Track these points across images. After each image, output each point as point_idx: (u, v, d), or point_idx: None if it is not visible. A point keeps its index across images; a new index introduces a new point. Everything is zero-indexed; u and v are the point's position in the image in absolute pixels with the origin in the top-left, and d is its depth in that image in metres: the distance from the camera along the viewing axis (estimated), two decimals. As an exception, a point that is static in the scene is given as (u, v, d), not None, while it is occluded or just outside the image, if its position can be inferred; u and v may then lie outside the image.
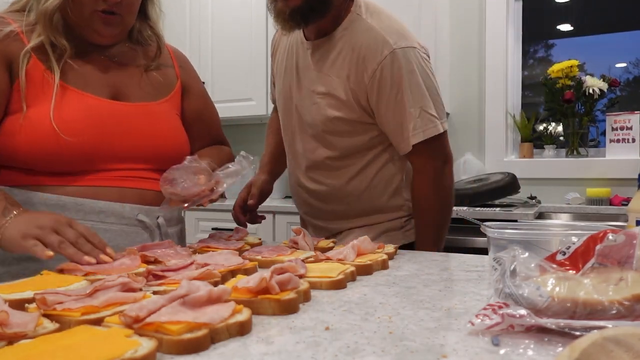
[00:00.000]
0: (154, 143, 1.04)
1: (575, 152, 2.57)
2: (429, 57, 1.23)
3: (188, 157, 0.98)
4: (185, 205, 0.98)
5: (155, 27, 1.14)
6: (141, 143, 1.03)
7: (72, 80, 0.99)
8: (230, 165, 1.01)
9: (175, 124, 1.12)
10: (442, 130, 1.19)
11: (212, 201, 0.99)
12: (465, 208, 2.21)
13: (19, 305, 0.58)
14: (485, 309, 0.53)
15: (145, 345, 0.45)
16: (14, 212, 0.84)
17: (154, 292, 0.65)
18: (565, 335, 0.48)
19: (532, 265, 0.56)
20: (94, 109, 0.99)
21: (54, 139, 0.92)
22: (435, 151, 1.20)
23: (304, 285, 0.66)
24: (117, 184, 1.00)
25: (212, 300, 0.54)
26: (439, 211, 1.25)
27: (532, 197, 2.53)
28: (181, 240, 1.17)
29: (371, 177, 1.26)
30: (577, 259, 0.58)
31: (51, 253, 0.78)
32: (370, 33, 1.17)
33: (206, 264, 0.78)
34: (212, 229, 2.63)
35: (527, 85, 2.86)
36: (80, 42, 1.02)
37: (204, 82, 3.04)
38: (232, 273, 0.78)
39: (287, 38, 1.34)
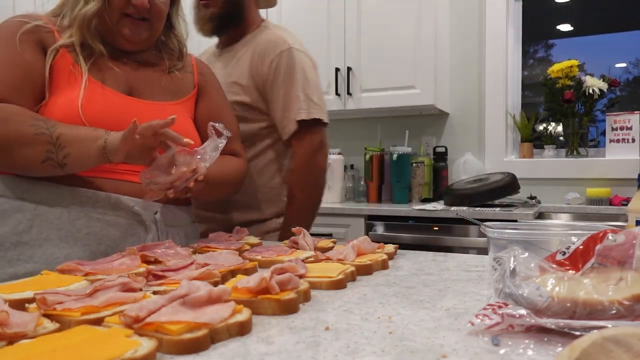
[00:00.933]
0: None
1: (575, 152, 2.58)
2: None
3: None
4: (170, 191, 0.92)
5: (180, 37, 1.20)
6: None
7: (95, 74, 1.03)
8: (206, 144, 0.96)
9: (187, 127, 1.13)
10: (324, 118, 1.39)
11: (198, 182, 0.94)
12: (465, 208, 2.22)
13: (19, 305, 0.58)
14: (485, 309, 0.53)
15: (145, 345, 0.45)
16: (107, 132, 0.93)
17: (154, 292, 0.65)
18: (565, 335, 0.48)
19: (532, 265, 0.56)
20: (112, 102, 1.02)
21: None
22: (314, 138, 1.38)
23: (304, 285, 0.66)
24: (117, 177, 1.00)
25: (212, 300, 0.54)
26: (305, 199, 1.41)
27: (532, 197, 2.53)
28: (191, 240, 1.16)
29: (259, 169, 1.42)
30: (577, 259, 0.58)
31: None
32: (275, 34, 1.42)
33: (206, 264, 0.78)
34: (212, 229, 2.63)
35: (527, 85, 2.86)
36: (110, 47, 1.07)
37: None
38: (232, 273, 0.78)
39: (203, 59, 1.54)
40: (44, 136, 0.90)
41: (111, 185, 1.00)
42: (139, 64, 1.11)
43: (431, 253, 1.07)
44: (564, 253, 0.60)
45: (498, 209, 2.15)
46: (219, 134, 0.95)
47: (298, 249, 0.99)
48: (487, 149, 2.74)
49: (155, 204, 1.04)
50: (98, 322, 0.53)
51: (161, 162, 0.91)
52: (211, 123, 0.96)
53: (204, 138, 1.13)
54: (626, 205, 2.02)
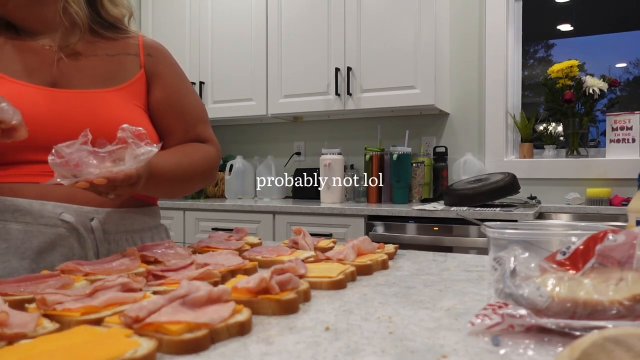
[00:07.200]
0: (92, 133, 0.79)
1: (575, 152, 2.58)
2: None
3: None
4: (81, 183, 0.73)
5: (119, 7, 1.03)
6: (77, 133, 0.78)
7: (6, 66, 0.90)
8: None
9: (126, 115, 0.97)
10: None
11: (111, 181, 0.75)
12: (465, 208, 2.22)
13: (19, 305, 0.58)
14: (485, 309, 0.53)
15: (145, 345, 0.45)
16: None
17: (154, 292, 0.65)
18: (565, 335, 0.48)
19: (532, 265, 0.56)
20: (24, 95, 0.88)
21: None
22: None
23: (304, 285, 0.66)
24: (39, 180, 0.87)
25: (212, 300, 0.54)
26: None
27: (532, 197, 2.53)
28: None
29: None
30: (577, 259, 0.58)
31: None
32: None
33: (206, 264, 0.78)
34: (212, 229, 2.63)
35: (527, 85, 2.86)
36: (19, 30, 0.93)
37: (203, 82, 3.05)
38: (232, 273, 0.78)
39: None
40: None
41: (32, 190, 0.87)
42: (64, 51, 0.97)
43: (431, 253, 1.07)
44: (564, 253, 0.60)
45: (498, 209, 2.15)
46: (140, 139, 0.78)
47: (298, 249, 0.99)
48: (487, 149, 2.74)
49: (90, 209, 0.92)
50: (98, 322, 0.53)
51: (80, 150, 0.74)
52: (123, 126, 0.77)
53: (161, 125, 1.04)
54: (626, 205, 2.02)
